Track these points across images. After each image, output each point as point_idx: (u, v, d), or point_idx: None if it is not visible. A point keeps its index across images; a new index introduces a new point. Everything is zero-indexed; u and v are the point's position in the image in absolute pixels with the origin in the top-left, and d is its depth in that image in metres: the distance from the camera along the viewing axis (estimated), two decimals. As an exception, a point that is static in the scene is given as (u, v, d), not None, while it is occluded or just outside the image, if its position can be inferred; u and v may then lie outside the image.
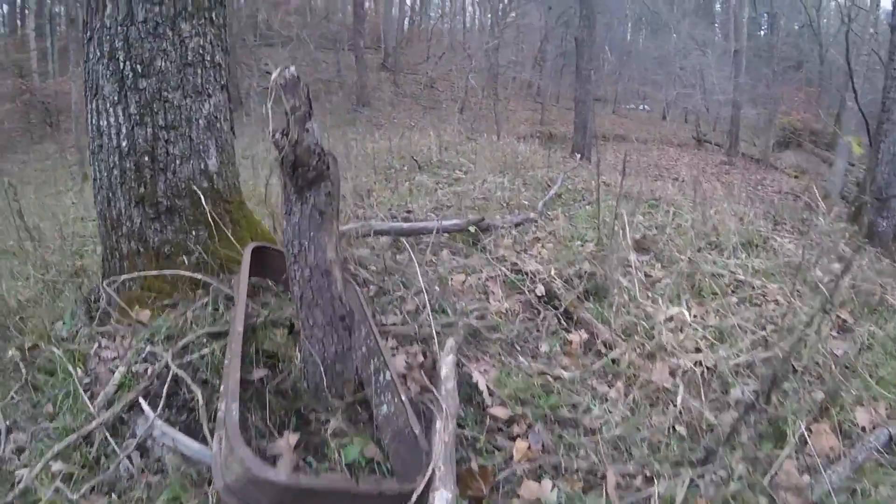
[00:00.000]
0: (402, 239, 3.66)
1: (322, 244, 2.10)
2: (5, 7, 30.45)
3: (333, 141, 11.57)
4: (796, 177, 24.11)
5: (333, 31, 29.19)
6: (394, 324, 2.84)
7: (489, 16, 31.86)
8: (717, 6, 55.69)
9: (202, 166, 2.92)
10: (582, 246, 4.18)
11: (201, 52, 2.87)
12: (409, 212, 4.91)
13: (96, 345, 2.56)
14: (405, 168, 7.74)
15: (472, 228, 4.06)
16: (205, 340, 2.47)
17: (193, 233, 2.89)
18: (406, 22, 37.73)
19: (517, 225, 4.57)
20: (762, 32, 48.61)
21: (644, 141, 33.27)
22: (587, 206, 5.74)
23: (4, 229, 5.20)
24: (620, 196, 4.04)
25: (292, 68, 1.90)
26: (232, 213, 3.05)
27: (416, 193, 5.75)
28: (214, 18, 2.95)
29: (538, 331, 3.14)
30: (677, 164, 23.12)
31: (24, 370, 2.47)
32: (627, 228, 3.86)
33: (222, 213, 2.95)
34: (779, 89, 30.62)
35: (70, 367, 2.37)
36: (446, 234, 3.98)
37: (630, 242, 3.86)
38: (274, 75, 1.91)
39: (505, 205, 5.33)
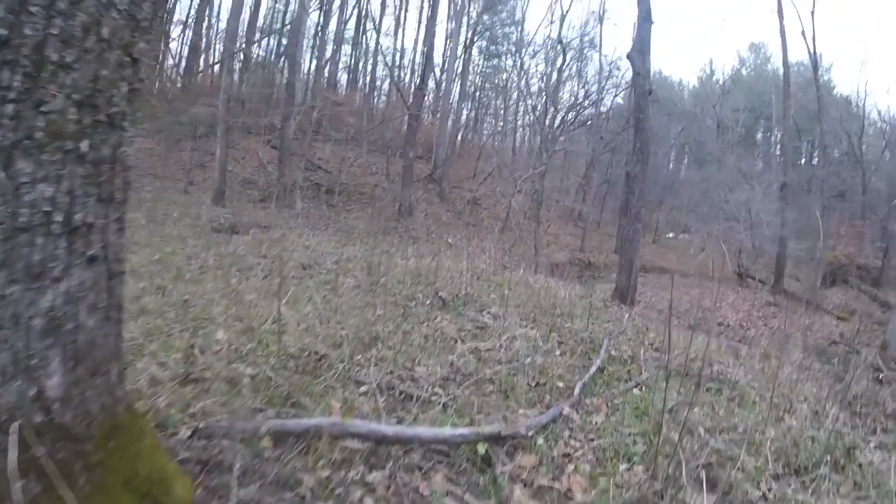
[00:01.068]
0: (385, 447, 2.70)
1: None
2: None
3: (364, 251, 10.92)
4: (844, 319, 22.58)
5: (387, 137, 29.60)
6: None
7: (538, 138, 32.07)
8: (759, 135, 56.02)
9: (35, 389, 1.79)
10: (629, 469, 3.18)
11: (48, 208, 1.76)
12: (412, 379, 3.99)
13: None
14: (427, 303, 6.89)
15: (482, 448, 3.05)
16: None
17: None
18: (458, 136, 38.33)
19: (546, 426, 3.55)
20: (802, 161, 48.42)
21: (685, 274, 32.31)
22: (635, 390, 4.72)
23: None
24: (671, 373, 3.07)
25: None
26: (88, 457, 1.87)
27: (430, 349, 4.82)
28: (88, 150, 1.84)
29: None
30: (722, 305, 21.84)
31: None
32: (683, 463, 2.88)
33: (69, 459, 1.82)
34: (824, 222, 29.69)
35: None
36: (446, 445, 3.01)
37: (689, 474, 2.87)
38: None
39: (534, 384, 4.37)
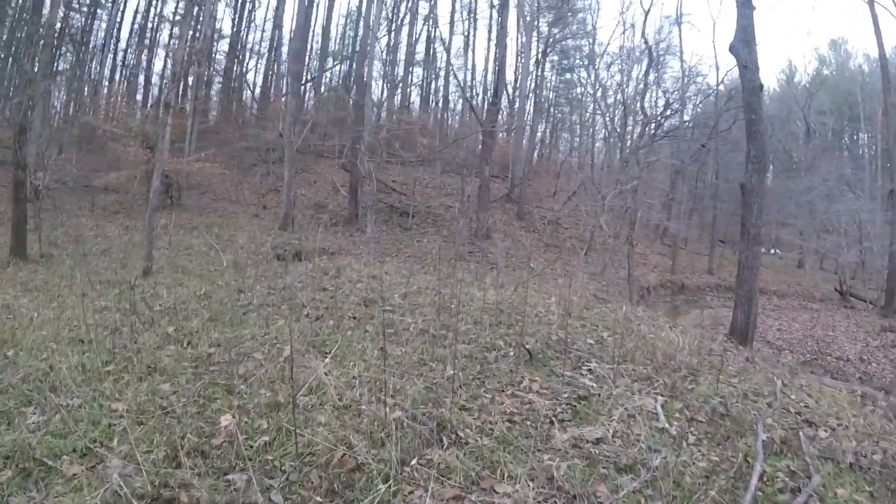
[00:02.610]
0: None
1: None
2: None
3: (437, 282, 9.66)
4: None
5: (462, 156, 28.49)
6: None
7: (618, 153, 30.21)
8: (845, 139, 51.53)
9: None
10: None
11: None
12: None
13: None
14: (510, 354, 5.50)
15: None
16: None
17: None
18: (535, 154, 36.85)
19: None
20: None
21: (783, 295, 29.54)
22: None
23: None
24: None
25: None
26: None
27: (517, 440, 3.40)
28: None
29: None
30: (835, 334, 19.28)
31: None
32: None
33: None
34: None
35: None
36: None
37: None
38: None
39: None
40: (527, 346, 5.43)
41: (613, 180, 22.97)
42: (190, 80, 31.70)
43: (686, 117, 31.95)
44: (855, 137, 51.80)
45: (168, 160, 20.95)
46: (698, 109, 33.81)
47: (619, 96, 32.70)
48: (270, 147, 24.43)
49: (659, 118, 23.80)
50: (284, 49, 35.42)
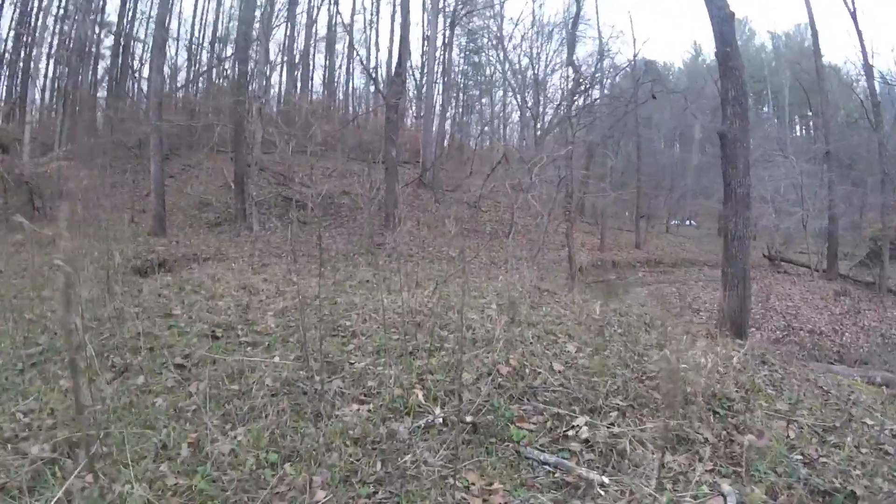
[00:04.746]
0: None
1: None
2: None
3: (331, 286, 7.35)
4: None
5: (367, 140, 26.03)
6: None
7: (534, 133, 28.50)
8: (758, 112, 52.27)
9: None
10: None
11: None
12: None
13: None
14: (437, 420, 3.28)
15: None
16: None
17: None
18: (445, 139, 34.68)
19: None
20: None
21: (713, 265, 28.74)
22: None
23: None
24: None
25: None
26: None
27: None
28: None
29: None
30: (795, 304, 18.01)
31: None
32: None
33: None
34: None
35: None
36: None
37: None
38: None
39: None
40: (466, 416, 3.19)
41: (540, 151, 21.04)
42: (57, 70, 27.78)
43: (605, 92, 30.64)
44: (763, 109, 52.47)
45: (25, 165, 17.66)
46: (614, 83, 32.56)
47: (530, 73, 31.09)
48: (143, 140, 21.18)
49: (575, 94, 22.08)
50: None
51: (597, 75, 28.35)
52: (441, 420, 3.37)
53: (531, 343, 4.91)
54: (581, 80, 26.35)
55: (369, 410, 3.53)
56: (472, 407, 3.48)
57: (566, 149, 15.59)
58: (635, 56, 29.23)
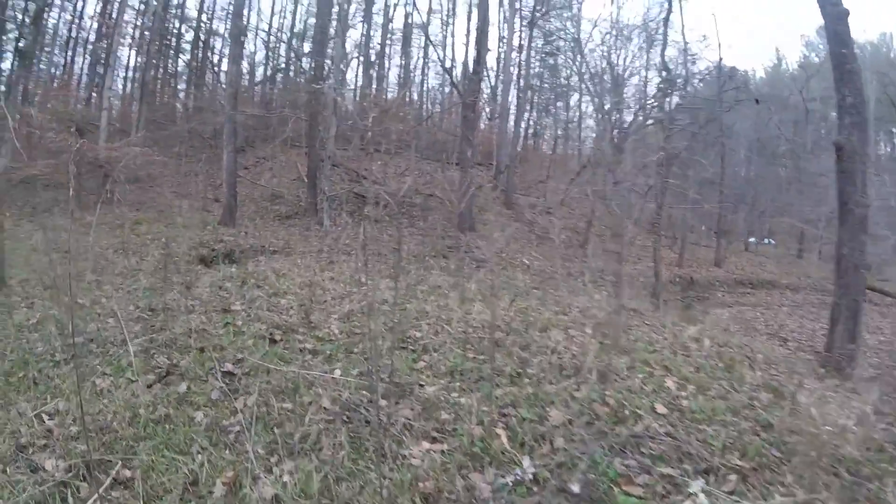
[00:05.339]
0: None
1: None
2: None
3: (401, 290, 6.70)
4: None
5: (441, 140, 25.46)
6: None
7: (614, 133, 27.21)
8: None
9: None
10: None
11: None
12: None
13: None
14: (526, 475, 2.50)
15: None
16: None
17: None
18: (520, 142, 33.76)
19: None
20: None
21: (795, 288, 26.75)
22: None
23: None
24: None
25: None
26: None
27: None
28: None
29: None
30: (883, 333, 16.24)
31: None
32: None
33: None
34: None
35: None
36: None
37: None
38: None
39: None
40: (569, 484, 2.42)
41: (618, 157, 19.96)
42: (138, 60, 28.40)
43: (685, 98, 29.10)
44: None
45: (100, 149, 17.83)
46: (697, 87, 30.90)
47: (608, 77, 29.84)
48: (218, 130, 21.17)
49: (667, 95, 20.84)
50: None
51: (679, 80, 26.85)
52: (531, 476, 2.61)
53: (626, 376, 4.12)
54: (669, 84, 25.01)
55: (443, 453, 2.81)
56: (566, 458, 2.71)
57: (657, 154, 14.46)
58: (720, 60, 27.62)
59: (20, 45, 22.31)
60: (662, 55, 23.05)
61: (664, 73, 24.15)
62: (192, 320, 5.04)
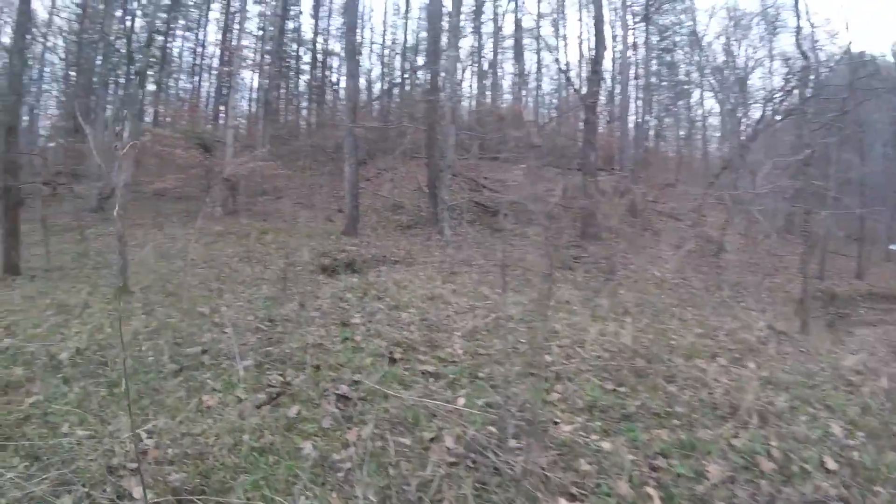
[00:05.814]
0: None
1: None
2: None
3: (527, 307, 6.17)
4: None
5: (560, 145, 24.68)
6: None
7: (741, 131, 25.17)
8: None
9: None
10: None
11: None
12: None
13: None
14: None
15: None
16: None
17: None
18: (644, 141, 32.20)
19: None
20: None
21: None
22: None
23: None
24: None
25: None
26: None
27: None
28: None
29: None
30: None
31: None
32: None
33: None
34: None
35: None
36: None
37: None
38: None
39: None
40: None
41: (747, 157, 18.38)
42: (260, 81, 29.90)
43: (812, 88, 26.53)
44: None
45: (227, 163, 18.67)
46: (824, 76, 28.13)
47: (727, 72, 27.80)
48: (339, 144, 21.63)
49: (808, 85, 18.97)
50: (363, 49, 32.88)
51: (809, 69, 24.44)
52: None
53: (787, 418, 3.36)
54: (805, 73, 22.81)
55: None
56: None
57: (803, 153, 12.94)
58: (849, 45, 24.89)
59: (137, 66, 24.04)
60: (798, 41, 20.95)
61: (799, 61, 22.07)
62: (310, 333, 4.75)
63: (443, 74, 18.80)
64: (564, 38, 35.56)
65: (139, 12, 26.55)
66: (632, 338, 5.03)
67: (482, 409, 3.23)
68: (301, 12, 34.91)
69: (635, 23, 28.91)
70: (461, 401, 3.35)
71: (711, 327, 6.32)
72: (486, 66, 33.69)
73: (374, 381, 3.55)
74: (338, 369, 3.85)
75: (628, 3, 27.84)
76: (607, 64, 30.57)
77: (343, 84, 30.02)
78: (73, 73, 26.86)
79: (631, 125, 28.33)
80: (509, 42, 35.01)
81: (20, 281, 9.01)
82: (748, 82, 27.09)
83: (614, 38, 30.21)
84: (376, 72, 34.98)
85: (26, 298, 7.15)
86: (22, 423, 3.18)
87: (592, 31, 32.24)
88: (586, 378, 3.98)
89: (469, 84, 33.53)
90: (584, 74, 31.83)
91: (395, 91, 33.68)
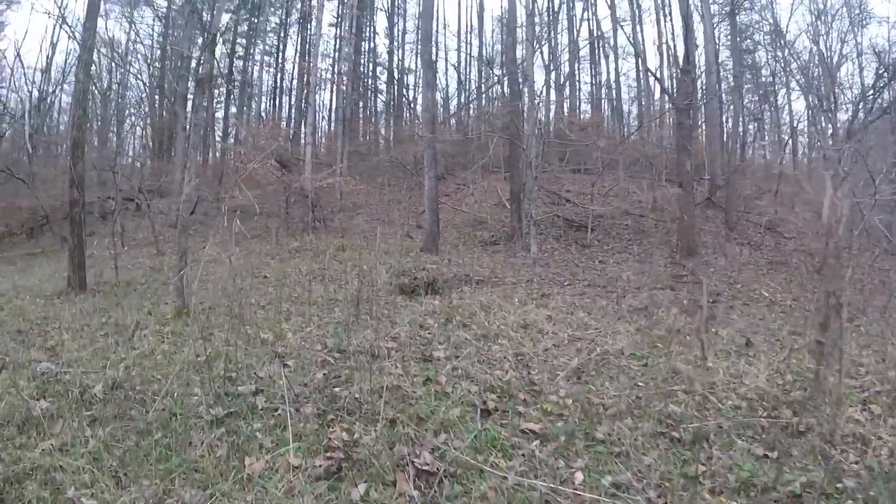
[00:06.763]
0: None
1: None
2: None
3: (637, 335, 5.24)
4: None
5: (648, 154, 23.34)
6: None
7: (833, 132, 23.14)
8: None
9: None
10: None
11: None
12: None
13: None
14: None
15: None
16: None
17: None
18: (738, 148, 30.26)
19: None
20: None
21: None
22: None
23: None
24: None
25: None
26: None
27: None
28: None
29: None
30: None
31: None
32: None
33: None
34: None
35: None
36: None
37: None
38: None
39: None
40: None
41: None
42: (338, 100, 30.27)
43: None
44: None
45: (304, 180, 18.56)
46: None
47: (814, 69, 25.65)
48: (418, 159, 21.20)
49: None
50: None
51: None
52: None
53: None
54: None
55: None
56: None
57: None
58: None
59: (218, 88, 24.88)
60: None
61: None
62: (386, 371, 4.00)
63: (521, 80, 18.08)
64: (642, 43, 33.97)
65: (220, 38, 27.35)
66: (766, 378, 4.06)
67: (610, 492, 2.37)
68: (376, 33, 35.55)
69: (719, 20, 27.38)
70: (579, 477, 2.50)
71: (851, 362, 5.18)
72: (563, 77, 32.72)
73: (466, 443, 2.75)
74: (419, 423, 3.07)
75: (709, 1, 26.32)
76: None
77: (420, 100, 29.86)
78: (156, 97, 28.04)
79: (722, 130, 26.67)
80: (584, 52, 34.06)
81: (83, 296, 8.77)
82: (837, 79, 25.04)
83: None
84: (453, 86, 34.85)
85: (84, 315, 6.77)
86: (23, 478, 2.56)
87: (671, 33, 30.88)
88: (728, 439, 3.06)
89: (547, 94, 32.68)
90: (667, 79, 30.40)
91: (473, 105, 33.25)
